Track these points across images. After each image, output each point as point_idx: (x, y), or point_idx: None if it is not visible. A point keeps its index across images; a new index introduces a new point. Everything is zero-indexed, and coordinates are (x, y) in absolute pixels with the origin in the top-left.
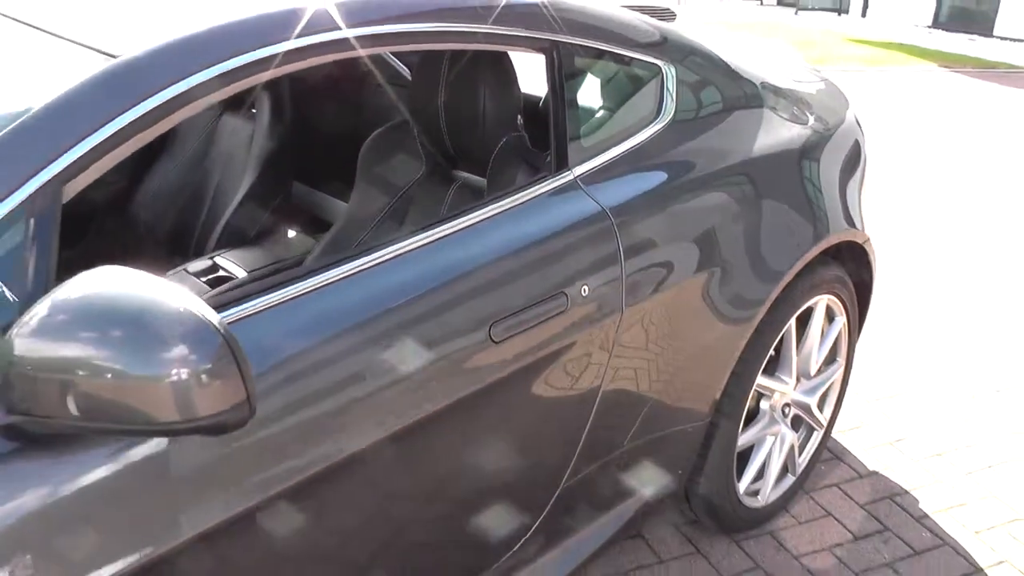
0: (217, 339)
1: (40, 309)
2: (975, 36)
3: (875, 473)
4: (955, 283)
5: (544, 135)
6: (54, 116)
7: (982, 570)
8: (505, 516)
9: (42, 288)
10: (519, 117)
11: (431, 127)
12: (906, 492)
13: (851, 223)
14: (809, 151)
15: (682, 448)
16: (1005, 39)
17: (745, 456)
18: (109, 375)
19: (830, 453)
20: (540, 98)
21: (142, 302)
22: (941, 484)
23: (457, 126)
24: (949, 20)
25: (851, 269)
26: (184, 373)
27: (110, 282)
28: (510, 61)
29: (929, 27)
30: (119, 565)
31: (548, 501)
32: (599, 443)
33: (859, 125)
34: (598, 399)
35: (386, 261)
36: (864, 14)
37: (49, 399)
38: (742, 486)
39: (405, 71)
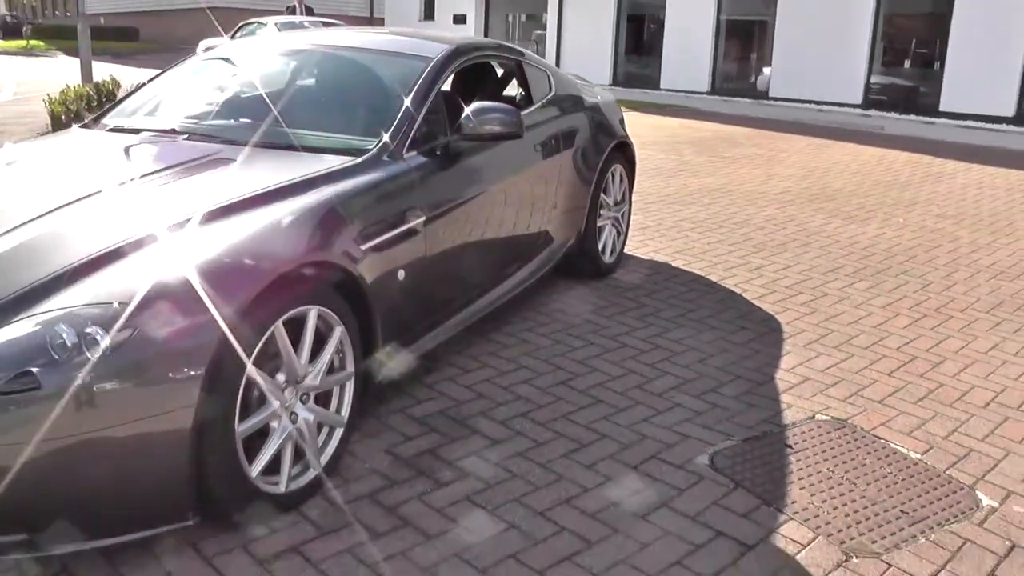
0: (517, 113)
1: (468, 110)
2: (648, 90)
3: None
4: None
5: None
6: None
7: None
8: (527, 239)
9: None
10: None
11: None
12: (669, 259)
13: (622, 134)
14: (600, 106)
15: (579, 218)
16: (669, 91)
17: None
18: (493, 124)
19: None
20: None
21: (500, 105)
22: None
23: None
24: (625, 80)
25: (626, 156)
26: (512, 116)
27: (489, 104)
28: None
29: (611, 86)
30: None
31: (545, 229)
32: (558, 205)
33: (614, 100)
34: (558, 181)
35: None
36: None
37: (472, 130)
38: (600, 247)
39: None
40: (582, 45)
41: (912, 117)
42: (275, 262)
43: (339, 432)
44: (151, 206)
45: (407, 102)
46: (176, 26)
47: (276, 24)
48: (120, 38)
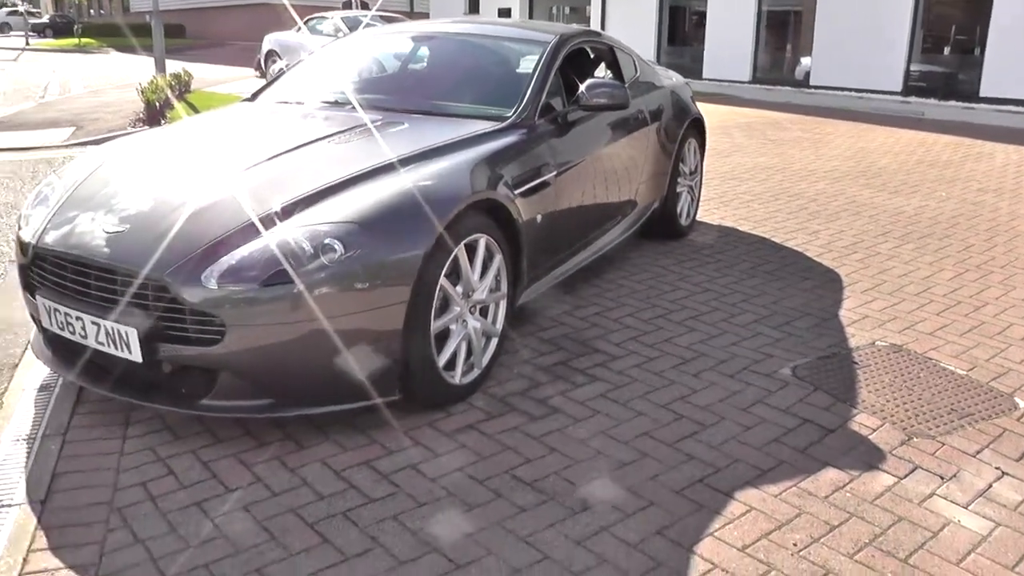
0: (624, 88)
1: (583, 86)
2: (690, 80)
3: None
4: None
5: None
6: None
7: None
8: (624, 198)
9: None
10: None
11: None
12: (732, 225)
13: (696, 111)
14: (676, 87)
15: (662, 183)
16: (712, 80)
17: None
18: (604, 97)
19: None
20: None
21: (610, 81)
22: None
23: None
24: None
25: (699, 131)
26: (620, 90)
27: (600, 80)
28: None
29: None
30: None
31: (637, 191)
32: (647, 171)
33: (685, 83)
34: (646, 150)
35: None
36: None
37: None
38: (678, 210)
39: None
40: (625, 36)
41: (952, 103)
42: (461, 197)
43: (494, 341)
44: (350, 155)
45: (534, 78)
46: (219, 22)
47: (342, 19)
48: (167, 35)
